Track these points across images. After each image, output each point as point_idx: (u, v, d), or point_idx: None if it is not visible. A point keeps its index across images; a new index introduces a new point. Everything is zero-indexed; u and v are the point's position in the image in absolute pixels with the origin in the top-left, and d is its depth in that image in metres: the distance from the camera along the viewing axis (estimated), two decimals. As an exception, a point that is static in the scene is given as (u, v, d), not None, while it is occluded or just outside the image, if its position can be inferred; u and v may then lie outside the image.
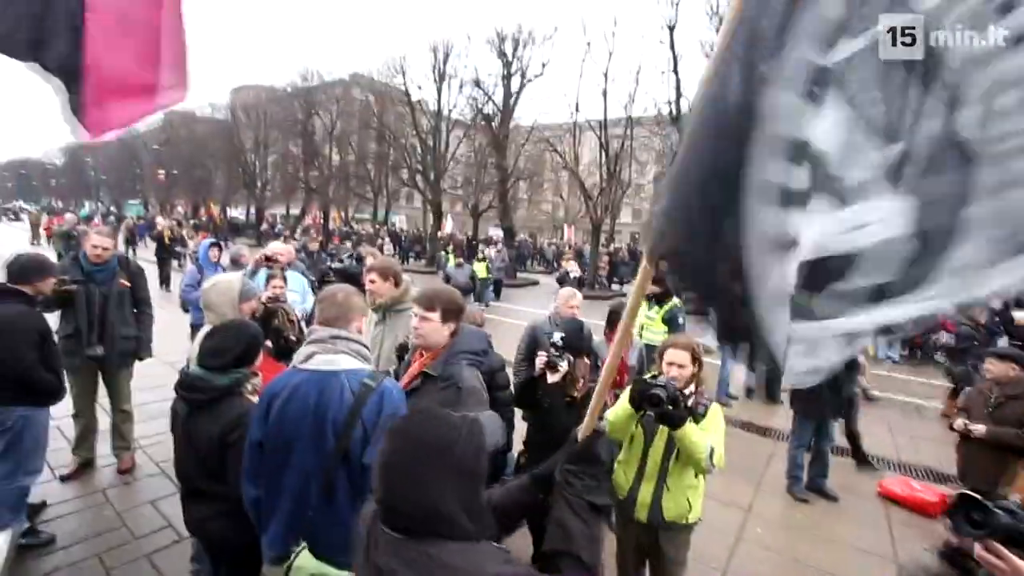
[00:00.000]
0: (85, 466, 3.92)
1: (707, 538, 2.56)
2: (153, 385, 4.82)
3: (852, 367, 4.83)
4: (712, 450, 2.13)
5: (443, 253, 14.93)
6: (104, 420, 4.09)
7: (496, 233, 30.46)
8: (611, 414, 2.32)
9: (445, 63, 22.14)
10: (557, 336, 2.61)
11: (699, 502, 2.37)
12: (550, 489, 1.29)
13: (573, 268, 12.38)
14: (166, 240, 11.81)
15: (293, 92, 30.13)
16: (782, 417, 5.70)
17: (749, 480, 4.53)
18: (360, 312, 1.78)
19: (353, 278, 4.07)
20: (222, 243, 6.24)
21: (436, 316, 2.07)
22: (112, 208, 43.49)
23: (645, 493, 2.35)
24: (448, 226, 24.58)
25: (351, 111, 30.29)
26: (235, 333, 1.91)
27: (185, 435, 1.90)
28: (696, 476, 2.32)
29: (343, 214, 32.23)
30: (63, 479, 3.74)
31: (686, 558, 2.43)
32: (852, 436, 5.08)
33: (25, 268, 3.07)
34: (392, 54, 27.56)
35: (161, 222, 15.98)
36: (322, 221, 29.16)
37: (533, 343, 3.73)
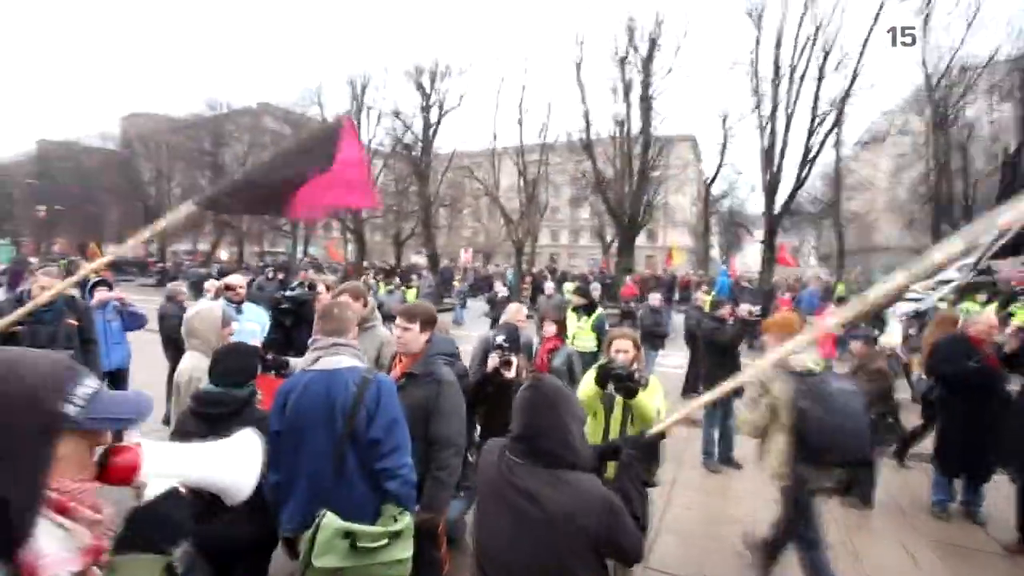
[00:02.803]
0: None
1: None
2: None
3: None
4: (659, 410, 2.75)
5: (373, 280, 14.99)
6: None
7: (419, 260, 30.51)
8: (579, 394, 2.85)
9: (363, 94, 22.37)
10: (500, 339, 3.14)
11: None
12: (607, 461, 1.77)
13: (501, 289, 13.00)
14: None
15: (197, 121, 28.74)
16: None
17: (672, 459, 5.21)
18: (354, 322, 2.16)
19: (305, 304, 4.33)
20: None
21: (416, 326, 2.51)
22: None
23: None
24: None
25: (262, 141, 29.39)
26: (246, 353, 2.21)
27: None
28: None
29: (260, 247, 30.86)
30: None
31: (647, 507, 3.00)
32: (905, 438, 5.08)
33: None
34: (307, 84, 27.30)
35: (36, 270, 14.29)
36: (237, 256, 27.78)
37: (485, 351, 4.20)
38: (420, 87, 21.61)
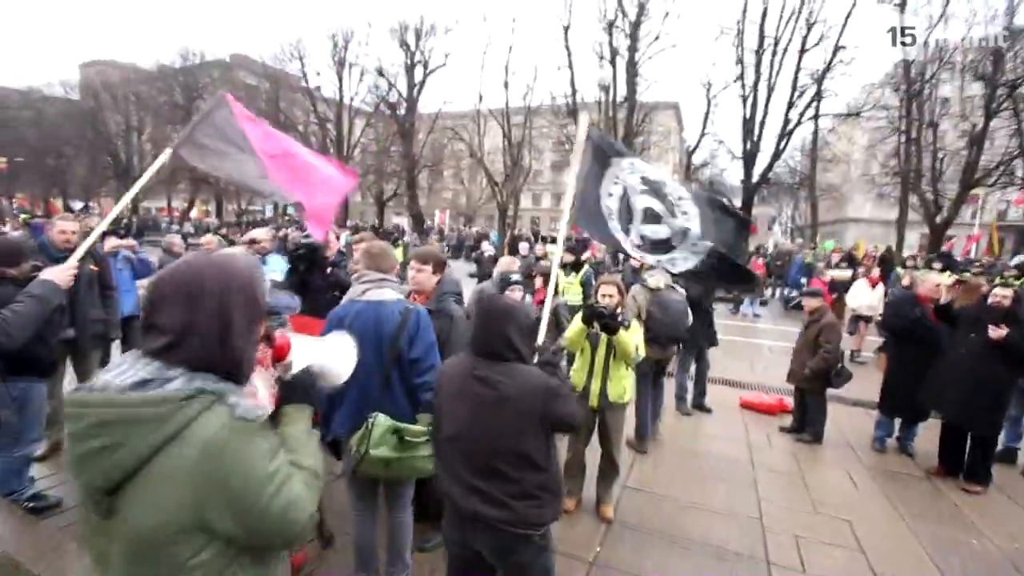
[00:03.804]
0: (55, 448, 4.04)
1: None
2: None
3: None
4: (637, 346, 3.21)
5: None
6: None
7: (401, 221, 30.35)
8: (568, 333, 3.25)
9: (345, 50, 21.73)
10: (515, 277, 3.59)
11: (630, 387, 3.46)
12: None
13: (488, 248, 13.32)
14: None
15: (167, 72, 27.50)
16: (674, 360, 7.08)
17: (648, 405, 5.75)
18: (396, 262, 2.50)
19: (317, 250, 4.68)
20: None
21: (429, 268, 2.85)
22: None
23: (595, 385, 3.36)
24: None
25: (237, 95, 28.35)
26: (277, 290, 2.51)
27: None
28: (626, 369, 3.38)
29: (238, 205, 30.22)
30: (38, 459, 3.85)
31: (623, 428, 3.54)
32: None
33: (8, 252, 3.25)
34: (287, 38, 26.41)
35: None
36: (216, 214, 27.21)
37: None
38: (405, 45, 21.12)
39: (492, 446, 1.82)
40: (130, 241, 5.38)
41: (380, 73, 21.40)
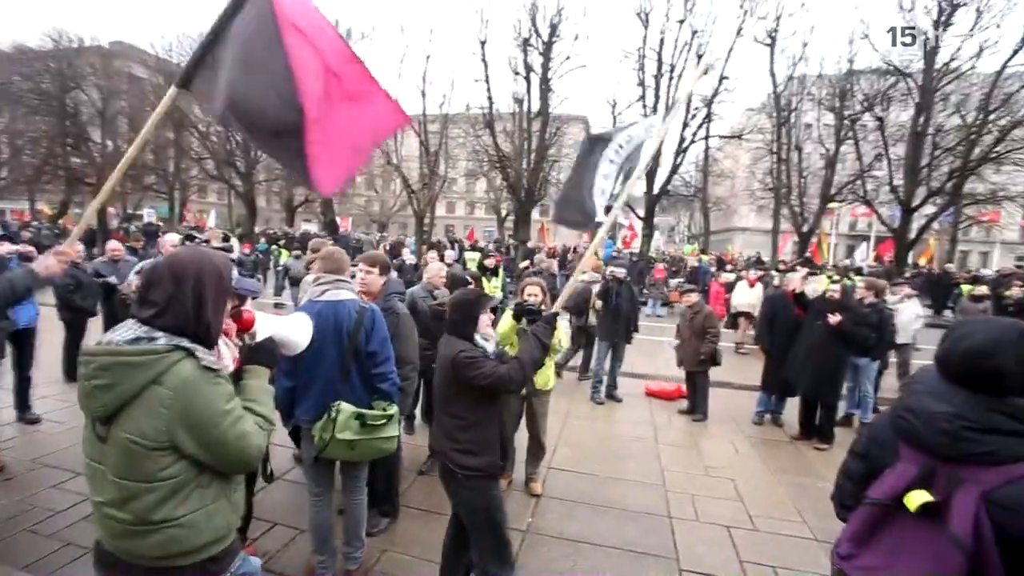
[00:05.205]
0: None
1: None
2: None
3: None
4: (560, 340, 3.70)
5: (275, 247, 14.45)
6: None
7: (310, 228, 29.22)
8: (500, 329, 3.63)
9: (251, 47, 20.62)
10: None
11: (552, 376, 4.02)
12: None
13: (408, 256, 13.40)
14: None
15: (31, 55, 24.25)
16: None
17: (566, 398, 6.32)
18: (348, 264, 2.75)
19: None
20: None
21: (376, 271, 3.13)
22: None
23: None
24: (211, 220, 22.98)
25: (119, 89, 25.54)
26: None
27: None
28: (550, 359, 3.88)
29: (123, 209, 27.22)
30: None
31: (547, 412, 4.03)
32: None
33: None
34: (186, 31, 24.13)
35: None
36: (98, 219, 24.29)
37: (412, 306, 4.83)
38: (317, 46, 20.50)
39: (440, 401, 2.38)
40: (27, 248, 5.00)
41: (290, 74, 20.59)
